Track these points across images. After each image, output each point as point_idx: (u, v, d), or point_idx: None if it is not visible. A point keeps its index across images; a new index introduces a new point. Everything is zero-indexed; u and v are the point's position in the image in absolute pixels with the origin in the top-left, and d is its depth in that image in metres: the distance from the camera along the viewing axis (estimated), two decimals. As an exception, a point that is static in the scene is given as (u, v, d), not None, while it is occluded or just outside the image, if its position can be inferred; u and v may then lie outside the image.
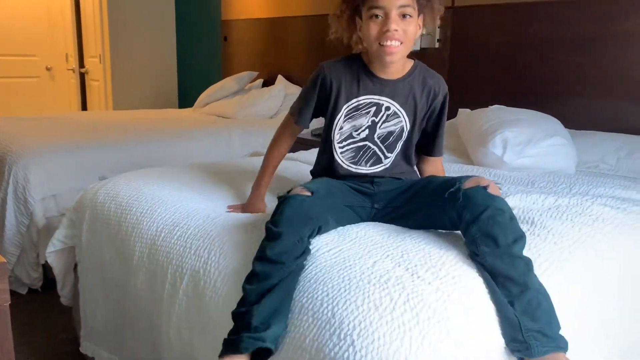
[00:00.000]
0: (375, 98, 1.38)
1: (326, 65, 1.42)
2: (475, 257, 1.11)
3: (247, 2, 4.15)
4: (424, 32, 2.74)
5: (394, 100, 1.38)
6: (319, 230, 1.19)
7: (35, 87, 5.66)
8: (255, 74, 4.02)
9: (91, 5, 4.90)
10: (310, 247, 1.16)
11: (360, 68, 1.39)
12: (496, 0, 2.64)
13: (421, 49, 2.91)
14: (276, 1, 3.89)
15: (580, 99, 2.40)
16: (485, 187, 1.17)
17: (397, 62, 1.35)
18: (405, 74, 1.39)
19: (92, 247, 1.70)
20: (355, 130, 1.40)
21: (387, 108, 1.38)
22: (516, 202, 1.57)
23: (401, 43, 1.29)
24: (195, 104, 4.06)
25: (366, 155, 1.41)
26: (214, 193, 1.68)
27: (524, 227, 1.33)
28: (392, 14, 1.27)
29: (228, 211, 1.51)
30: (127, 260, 1.51)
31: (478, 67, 2.75)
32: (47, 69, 5.69)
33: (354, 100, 1.38)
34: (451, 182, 1.23)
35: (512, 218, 1.14)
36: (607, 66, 2.31)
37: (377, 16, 1.28)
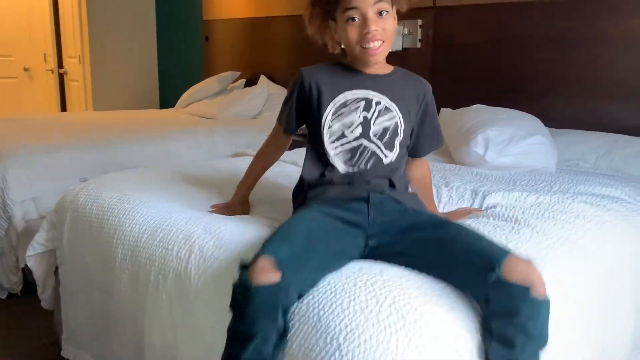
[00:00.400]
0: (362, 92, 1.30)
1: (304, 69, 1.35)
2: (485, 337, 1.00)
3: (228, 2, 4.13)
4: (405, 32, 2.75)
5: (382, 94, 1.30)
6: (300, 297, 1.02)
7: (13, 88, 5.57)
8: (238, 74, 4.00)
9: (70, 4, 4.84)
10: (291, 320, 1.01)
11: (342, 68, 1.34)
12: (477, 0, 2.66)
13: (403, 49, 2.92)
14: (258, 1, 3.88)
15: (560, 98, 2.43)
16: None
17: (381, 61, 1.32)
18: (389, 71, 1.35)
19: (73, 249, 1.68)
20: (348, 128, 1.28)
21: (378, 103, 1.29)
22: (498, 200, 1.59)
23: (383, 42, 1.25)
24: (177, 104, 4.03)
25: (364, 155, 1.28)
26: (196, 194, 1.67)
27: (507, 225, 1.35)
28: (368, 14, 1.22)
29: (211, 211, 1.50)
30: (109, 263, 1.49)
31: (459, 66, 2.77)
32: (25, 69, 5.60)
33: (340, 96, 1.29)
34: (486, 259, 1.02)
35: (543, 327, 1.01)
36: (586, 65, 2.34)
37: (353, 19, 1.23)
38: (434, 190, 1.63)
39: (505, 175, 1.94)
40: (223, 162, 2.21)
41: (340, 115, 1.29)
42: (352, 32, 1.24)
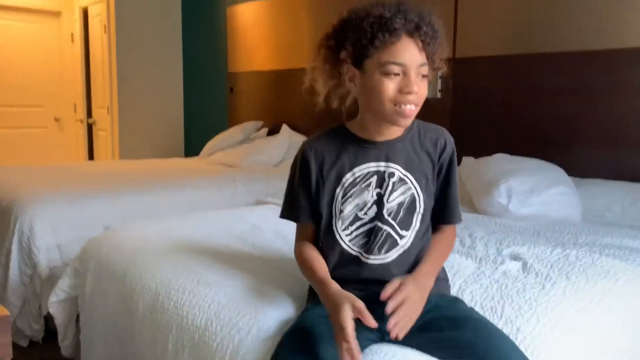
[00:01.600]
0: (372, 165, 1.15)
1: (307, 143, 1.20)
2: None
3: (252, 55, 4.25)
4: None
5: (396, 163, 1.15)
6: None
7: (43, 137, 5.75)
8: (261, 123, 4.07)
9: (100, 57, 5.04)
10: None
11: (347, 137, 1.18)
12: (495, 52, 2.70)
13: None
14: (281, 55, 3.99)
15: (581, 148, 2.42)
16: None
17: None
18: (403, 132, 1.18)
19: (95, 298, 1.68)
20: (361, 210, 1.14)
21: (391, 175, 1.14)
22: (524, 252, 1.56)
23: (417, 106, 1.11)
24: (201, 153, 4.10)
25: (379, 239, 1.13)
26: (216, 246, 1.67)
27: (536, 283, 1.30)
28: (412, 72, 1.07)
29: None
30: (130, 315, 1.49)
31: (480, 116, 2.79)
32: (56, 119, 5.79)
33: (349, 174, 1.15)
34: None
35: None
36: (607, 115, 2.33)
37: (395, 74, 1.07)
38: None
39: (529, 226, 1.91)
40: (244, 210, 2.22)
41: (351, 196, 1.14)
42: (389, 87, 1.08)
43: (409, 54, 1.07)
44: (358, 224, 1.14)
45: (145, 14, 4.86)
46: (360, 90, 1.13)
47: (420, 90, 1.09)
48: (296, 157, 1.22)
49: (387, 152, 1.15)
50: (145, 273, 1.50)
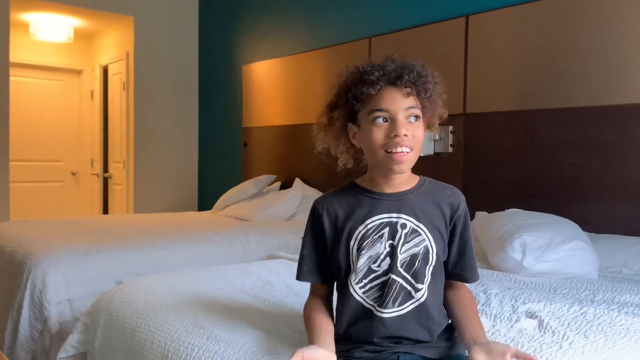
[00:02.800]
0: (385, 217, 1.14)
1: (318, 202, 1.21)
2: None
3: (266, 111, 4.35)
4: (436, 138, 2.69)
5: (408, 214, 1.14)
6: None
7: (59, 191, 5.85)
8: (274, 177, 4.12)
9: (118, 113, 5.18)
10: None
11: (357, 191, 1.18)
12: (505, 107, 2.73)
13: (435, 153, 2.98)
14: (293, 110, 4.08)
15: (593, 203, 2.40)
16: None
17: (405, 173, 1.15)
18: (413, 186, 1.18)
19: (104, 354, 1.66)
20: (374, 262, 1.12)
21: (403, 225, 1.13)
22: (540, 310, 1.53)
23: (411, 149, 1.10)
24: (215, 206, 4.13)
25: (393, 292, 1.11)
26: (226, 301, 1.66)
27: (553, 342, 1.27)
28: (399, 117, 1.09)
29: None
30: (139, 371, 1.47)
31: (492, 170, 2.79)
32: (73, 173, 5.90)
33: (361, 227, 1.14)
34: None
35: None
36: (618, 170, 2.32)
37: (383, 119, 1.10)
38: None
39: (544, 282, 1.88)
40: (255, 265, 2.21)
41: (364, 248, 1.13)
42: (378, 134, 1.10)
43: (392, 100, 1.10)
44: (372, 276, 1.12)
45: (164, 72, 5.02)
46: (361, 144, 1.16)
47: (410, 132, 1.10)
48: (308, 217, 1.22)
49: (398, 203, 1.15)
50: (154, 329, 1.49)
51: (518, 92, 2.71)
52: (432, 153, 2.98)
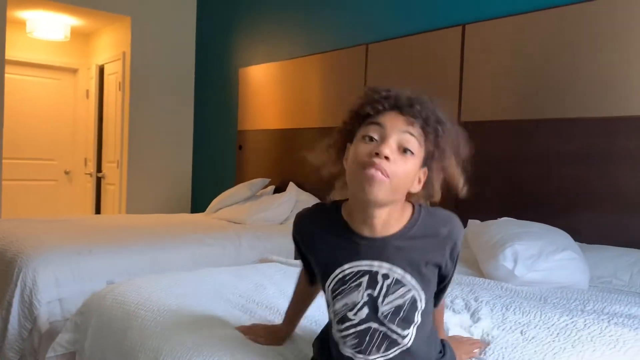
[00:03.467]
0: (364, 264, 1.01)
1: (298, 223, 1.13)
2: None
3: (262, 114, 4.35)
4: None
5: (391, 264, 1.00)
6: None
7: (52, 190, 5.83)
8: (268, 180, 4.12)
9: (113, 113, 5.17)
10: None
11: (339, 224, 1.05)
12: (500, 116, 2.75)
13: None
14: (289, 114, 4.08)
15: (585, 213, 2.42)
16: None
17: (384, 207, 0.99)
18: (402, 228, 1.02)
19: (94, 354, 1.65)
20: (350, 310, 1.01)
21: (385, 276, 1.00)
22: (530, 319, 1.54)
23: (388, 176, 0.95)
24: (208, 209, 4.12)
25: (375, 340, 1.01)
26: (218, 304, 1.66)
27: (543, 351, 1.28)
28: (391, 137, 0.97)
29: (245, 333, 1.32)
30: (129, 372, 1.46)
31: (485, 179, 2.80)
32: (66, 172, 5.88)
33: (337, 270, 1.03)
34: None
35: None
36: (610, 182, 2.34)
37: (371, 138, 0.98)
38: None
39: (535, 291, 1.89)
40: (247, 268, 2.21)
41: (340, 293, 1.02)
42: (361, 149, 0.98)
43: (390, 119, 0.99)
44: (347, 324, 1.02)
45: (160, 73, 5.02)
46: (347, 165, 1.03)
47: (392, 158, 0.96)
48: (292, 231, 1.15)
49: (380, 250, 1.01)
50: (146, 330, 1.48)
51: (512, 102, 2.73)
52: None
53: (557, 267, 2.00)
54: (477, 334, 1.42)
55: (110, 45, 5.32)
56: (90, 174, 5.56)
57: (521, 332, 1.42)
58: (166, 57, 5.03)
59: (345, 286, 1.02)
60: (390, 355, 1.02)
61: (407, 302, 1.01)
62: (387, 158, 0.95)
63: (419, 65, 3.11)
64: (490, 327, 1.47)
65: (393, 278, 1.00)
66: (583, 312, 1.62)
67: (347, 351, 1.02)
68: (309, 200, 3.67)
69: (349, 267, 1.02)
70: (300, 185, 3.90)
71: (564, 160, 2.50)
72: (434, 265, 1.04)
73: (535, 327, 1.45)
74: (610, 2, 2.37)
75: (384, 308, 1.00)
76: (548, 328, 1.45)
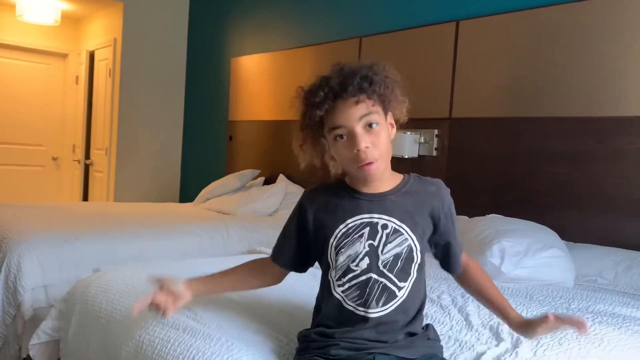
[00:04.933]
0: (365, 217, 1.14)
1: (306, 194, 1.24)
2: None
3: (253, 105, 4.33)
4: (421, 141, 2.67)
5: (390, 215, 1.14)
6: None
7: (39, 176, 5.76)
8: (258, 172, 4.10)
9: (103, 100, 5.12)
10: None
11: (343, 189, 1.19)
12: (490, 114, 2.76)
13: (419, 156, 2.99)
14: (280, 106, 4.07)
15: (573, 212, 2.43)
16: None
17: (383, 177, 1.16)
18: (396, 185, 1.18)
19: (78, 342, 1.65)
20: (353, 261, 1.12)
21: (384, 226, 1.13)
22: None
23: (376, 159, 1.10)
24: (196, 199, 4.10)
25: (375, 292, 1.11)
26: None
27: (528, 348, 1.29)
28: (356, 129, 1.09)
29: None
30: (113, 361, 1.45)
31: (474, 175, 2.82)
32: (54, 158, 5.82)
33: (341, 225, 1.14)
34: None
35: None
36: (598, 181, 2.36)
37: (341, 136, 1.10)
38: (460, 303, 1.57)
39: (521, 288, 1.90)
40: (235, 259, 2.20)
41: (343, 247, 1.13)
42: (344, 152, 1.11)
43: (343, 114, 1.09)
44: (350, 275, 1.12)
45: (151, 60, 4.97)
46: (335, 157, 1.17)
47: (371, 142, 1.09)
48: (295, 206, 1.24)
49: (379, 203, 1.15)
50: (130, 319, 1.47)
51: (503, 100, 2.73)
52: (417, 156, 2.99)
53: (543, 265, 2.02)
54: (463, 332, 1.43)
55: (102, 31, 5.26)
56: (79, 161, 5.50)
57: (508, 330, 1.43)
58: (158, 45, 4.98)
59: (348, 239, 1.13)
60: (387, 310, 1.11)
61: (404, 251, 1.12)
62: (367, 148, 1.08)
63: (412, 60, 3.10)
64: (478, 324, 1.48)
65: (391, 227, 1.13)
66: (568, 310, 1.63)
67: (348, 305, 1.12)
68: (298, 192, 3.66)
69: (352, 221, 1.14)
70: (290, 177, 3.89)
71: (552, 159, 2.51)
72: (428, 216, 1.16)
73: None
74: (603, 2, 2.37)
75: (384, 257, 1.12)
76: (533, 325, 1.45)
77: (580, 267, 2.11)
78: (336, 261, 1.13)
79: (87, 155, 5.42)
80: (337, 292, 1.14)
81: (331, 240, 1.14)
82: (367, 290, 1.11)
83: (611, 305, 1.70)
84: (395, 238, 1.13)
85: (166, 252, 2.79)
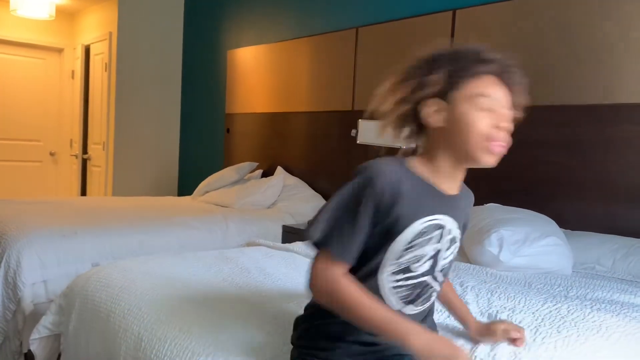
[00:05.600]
0: (440, 219, 1.04)
1: (379, 169, 0.99)
2: None
3: (250, 98, 4.32)
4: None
5: (455, 220, 1.07)
6: None
7: (37, 171, 5.75)
8: (256, 164, 4.10)
9: (99, 94, 5.10)
10: None
11: (415, 177, 1.03)
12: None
13: (417, 145, 2.98)
14: (278, 98, 4.05)
15: (571, 201, 2.44)
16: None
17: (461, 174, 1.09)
18: (461, 190, 1.12)
19: (78, 337, 1.65)
20: (416, 262, 1.03)
21: (449, 231, 1.06)
22: (514, 305, 1.55)
23: (505, 148, 1.04)
24: (195, 192, 4.10)
25: (423, 294, 1.07)
26: (203, 288, 1.65)
27: (526, 337, 1.29)
28: (506, 109, 1.03)
29: None
30: (113, 358, 1.45)
31: (473, 165, 2.81)
32: (51, 154, 5.81)
33: (417, 222, 1.01)
34: None
35: None
36: (597, 170, 2.36)
37: (485, 108, 1.01)
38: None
39: (520, 277, 1.91)
40: (234, 251, 2.21)
41: (414, 246, 1.01)
42: (483, 120, 1.00)
43: (501, 92, 1.03)
44: (407, 275, 1.03)
45: (147, 54, 4.95)
46: (445, 125, 1.02)
47: (510, 131, 1.02)
48: (365, 184, 0.98)
49: (453, 207, 1.07)
50: (129, 314, 1.47)
51: (501, 88, 2.72)
52: (414, 145, 2.98)
53: (541, 253, 2.02)
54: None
55: (97, 25, 5.23)
56: (76, 156, 5.49)
57: (507, 317, 1.43)
58: (154, 38, 4.96)
59: (421, 239, 1.02)
60: (421, 309, 1.09)
61: (454, 258, 1.11)
62: (510, 129, 1.02)
63: (409, 49, 3.08)
64: (476, 312, 1.49)
65: (453, 234, 1.07)
66: (567, 297, 1.64)
67: (393, 301, 1.04)
68: (297, 184, 3.67)
69: (428, 220, 1.02)
70: (288, 170, 3.89)
71: (551, 147, 2.51)
72: (463, 224, 1.12)
73: (520, 312, 1.47)
74: (601, -11, 2.37)
75: (443, 262, 1.07)
76: (533, 313, 1.46)
77: (579, 254, 2.11)
78: (400, 257, 1.01)
79: (85, 150, 5.41)
80: (387, 285, 1.03)
81: (404, 235, 1.00)
82: (418, 291, 1.06)
83: (609, 292, 1.70)
84: (452, 245, 1.08)
85: (165, 246, 2.79)
